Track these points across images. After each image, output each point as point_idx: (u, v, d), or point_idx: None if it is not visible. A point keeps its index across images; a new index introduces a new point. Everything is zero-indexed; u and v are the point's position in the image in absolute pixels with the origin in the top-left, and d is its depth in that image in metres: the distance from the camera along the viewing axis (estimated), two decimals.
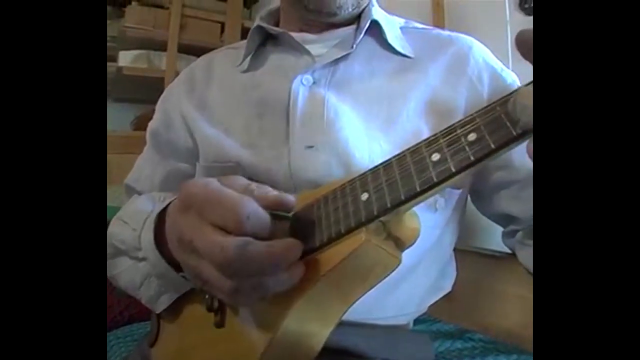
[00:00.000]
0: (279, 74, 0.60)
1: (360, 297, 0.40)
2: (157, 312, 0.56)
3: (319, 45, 0.61)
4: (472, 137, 0.30)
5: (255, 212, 0.34)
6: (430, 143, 0.33)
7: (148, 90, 1.69)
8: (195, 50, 1.88)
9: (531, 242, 0.59)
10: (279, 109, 0.57)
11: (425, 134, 0.32)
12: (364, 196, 0.35)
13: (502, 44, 1.07)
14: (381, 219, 0.34)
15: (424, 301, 0.62)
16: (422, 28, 0.67)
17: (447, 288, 0.65)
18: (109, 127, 2.38)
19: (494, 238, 0.74)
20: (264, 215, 0.35)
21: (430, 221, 0.56)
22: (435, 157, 0.32)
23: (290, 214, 0.38)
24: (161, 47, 1.88)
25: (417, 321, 0.69)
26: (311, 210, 0.40)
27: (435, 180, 0.31)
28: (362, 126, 0.54)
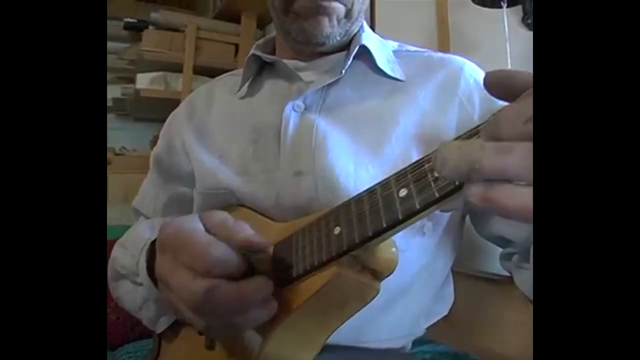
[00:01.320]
0: (273, 100, 0.62)
1: (341, 324, 0.41)
2: (158, 332, 0.59)
3: (311, 72, 0.62)
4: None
5: (223, 255, 0.36)
6: (399, 178, 0.33)
7: (166, 110, 1.73)
8: (210, 72, 1.92)
9: (527, 265, 0.58)
10: (272, 135, 0.58)
11: (415, 157, 0.33)
12: (337, 230, 0.36)
13: (504, 61, 1.07)
14: (352, 253, 0.35)
15: (418, 324, 0.62)
16: (415, 51, 0.67)
17: (444, 311, 0.65)
18: (129, 146, 2.45)
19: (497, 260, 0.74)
20: (233, 258, 0.37)
21: (418, 245, 0.56)
22: (403, 192, 0.32)
23: (261, 255, 0.39)
24: (177, 69, 1.94)
25: (422, 342, 0.69)
26: (290, 242, 0.41)
27: (400, 217, 0.31)
28: (350, 151, 0.55)
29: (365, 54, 0.61)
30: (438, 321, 0.64)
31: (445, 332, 0.68)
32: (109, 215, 1.72)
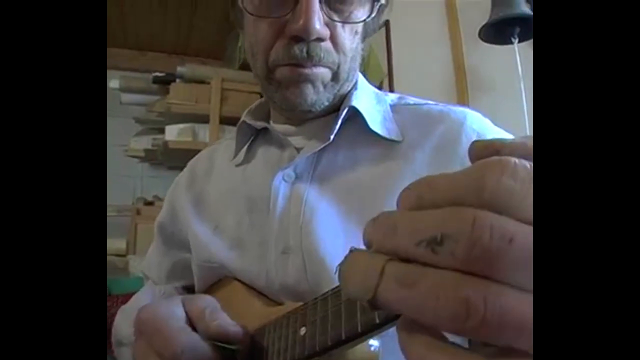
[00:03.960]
0: (266, 168, 0.59)
1: None
2: None
3: (301, 137, 0.58)
4: None
5: (190, 347, 0.37)
6: None
7: None
8: (236, 121, 1.95)
9: None
10: (265, 207, 0.55)
11: None
12: (302, 330, 0.34)
13: (519, 100, 1.04)
14: (315, 359, 0.32)
15: None
16: (414, 103, 0.61)
17: None
18: (163, 194, 2.52)
19: None
20: (201, 350, 0.37)
21: None
22: None
23: (234, 347, 0.38)
24: (204, 119, 1.99)
25: None
26: (264, 333, 0.39)
27: (359, 330, 0.27)
28: (340, 225, 0.51)
29: (357, 115, 0.55)
30: None
31: None
32: (137, 265, 1.75)
